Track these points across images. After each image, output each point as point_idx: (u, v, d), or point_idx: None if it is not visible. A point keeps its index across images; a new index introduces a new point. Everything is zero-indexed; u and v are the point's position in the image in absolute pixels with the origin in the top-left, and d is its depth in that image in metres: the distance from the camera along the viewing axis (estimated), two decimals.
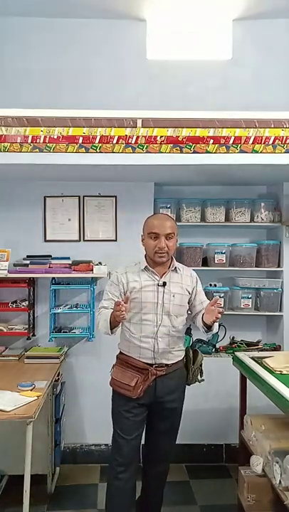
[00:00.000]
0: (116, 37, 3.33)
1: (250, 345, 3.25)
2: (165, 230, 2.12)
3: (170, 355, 2.16)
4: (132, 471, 2.17)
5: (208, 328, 2.13)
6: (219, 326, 3.34)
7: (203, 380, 2.31)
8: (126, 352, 2.20)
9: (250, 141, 2.55)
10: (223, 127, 2.55)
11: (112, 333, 2.12)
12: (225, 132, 2.55)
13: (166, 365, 2.15)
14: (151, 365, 2.13)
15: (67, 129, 2.53)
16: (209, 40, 3.34)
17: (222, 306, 3.15)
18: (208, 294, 3.21)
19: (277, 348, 3.21)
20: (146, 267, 2.18)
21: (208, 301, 2.25)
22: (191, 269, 2.33)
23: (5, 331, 3.08)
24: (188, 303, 2.25)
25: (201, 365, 2.31)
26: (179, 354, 2.23)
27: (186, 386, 2.29)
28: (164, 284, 2.14)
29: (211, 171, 2.77)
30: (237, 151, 2.56)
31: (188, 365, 2.28)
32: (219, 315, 2.00)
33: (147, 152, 2.55)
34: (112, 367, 2.25)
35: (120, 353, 2.25)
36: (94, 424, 3.15)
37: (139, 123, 2.53)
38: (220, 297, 3.20)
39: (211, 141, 2.55)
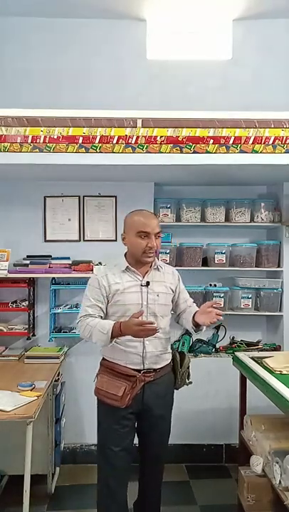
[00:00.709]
0: (116, 37, 3.33)
1: (250, 345, 3.25)
2: (155, 228, 2.02)
3: (158, 359, 2.06)
4: (124, 488, 2.08)
5: (198, 327, 2.07)
6: (219, 326, 3.36)
7: (191, 382, 2.23)
8: (110, 358, 2.07)
9: (250, 141, 2.55)
10: (223, 127, 2.55)
11: (110, 343, 1.96)
12: (225, 132, 2.55)
13: (155, 370, 2.05)
14: (139, 371, 2.01)
15: (67, 129, 2.53)
16: (209, 40, 3.34)
17: (221, 305, 3.17)
18: (208, 294, 3.22)
19: (277, 348, 3.21)
20: (127, 267, 2.07)
21: (191, 300, 2.24)
22: (172, 267, 2.24)
23: (5, 331, 3.08)
24: (172, 302, 2.17)
25: (188, 368, 2.22)
26: (167, 357, 2.14)
27: (175, 390, 2.20)
28: (148, 283, 2.04)
29: (211, 171, 2.76)
30: (237, 151, 2.56)
31: (175, 368, 2.18)
32: (220, 317, 1.96)
33: (147, 152, 2.55)
34: (96, 375, 2.11)
35: (103, 359, 2.11)
36: (94, 424, 3.11)
37: (139, 123, 2.53)
38: (220, 297, 3.21)
39: (211, 141, 2.55)
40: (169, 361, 2.16)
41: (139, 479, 2.23)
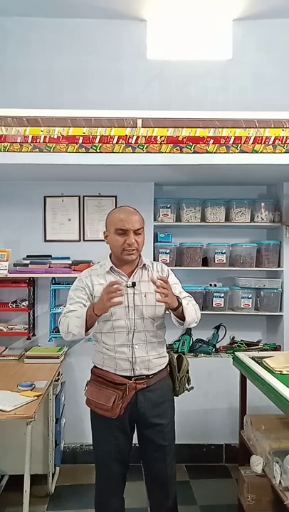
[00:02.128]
0: (116, 37, 3.33)
1: (250, 345, 3.25)
2: (134, 224, 1.92)
3: (150, 364, 1.94)
4: (119, 496, 2.02)
5: (180, 318, 1.93)
6: (219, 325, 3.36)
7: (192, 388, 2.12)
8: (100, 365, 1.98)
9: (251, 141, 2.55)
10: (223, 127, 2.54)
11: (86, 333, 1.87)
12: (225, 132, 2.55)
13: (147, 376, 1.93)
14: (129, 378, 1.91)
15: (67, 129, 2.53)
16: (209, 40, 3.33)
17: (221, 305, 3.17)
18: (208, 294, 3.22)
19: (277, 348, 3.21)
20: (111, 267, 1.98)
21: (188, 295, 2.09)
22: (162, 264, 2.12)
23: (5, 330, 3.08)
24: None
25: (187, 372, 2.12)
26: (161, 362, 2.00)
27: (175, 397, 2.08)
28: (134, 284, 1.94)
29: (211, 170, 2.76)
30: (237, 151, 2.56)
31: (173, 373, 2.07)
32: (165, 298, 1.80)
33: (147, 152, 2.55)
34: (86, 384, 2.01)
35: (94, 367, 2.02)
36: None
37: (139, 123, 2.53)
38: (220, 297, 3.20)
39: (211, 141, 2.55)
40: (164, 366, 2.03)
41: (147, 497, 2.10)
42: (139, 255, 2.02)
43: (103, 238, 2.03)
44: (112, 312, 1.90)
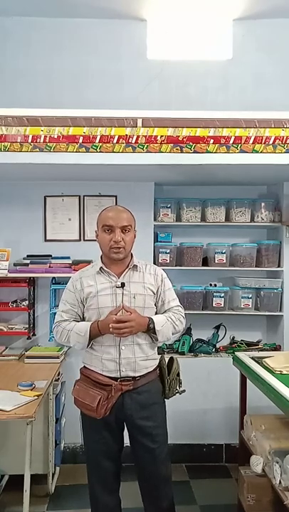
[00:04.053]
0: (116, 37, 3.33)
1: (250, 345, 3.25)
2: (120, 221, 1.91)
3: (137, 366, 1.92)
4: (113, 494, 2.03)
5: (153, 334, 1.93)
6: (219, 325, 3.36)
7: (184, 390, 2.09)
8: (88, 365, 1.98)
9: (251, 141, 2.55)
10: (223, 127, 2.54)
11: (88, 345, 1.93)
12: (225, 132, 2.55)
13: (134, 378, 1.92)
14: (115, 379, 1.90)
15: (67, 128, 2.53)
16: (209, 40, 3.33)
17: (222, 305, 3.17)
18: (208, 294, 3.22)
19: (277, 348, 3.21)
20: (101, 268, 1.97)
21: (177, 304, 2.07)
22: (157, 267, 2.09)
23: (5, 330, 3.08)
24: (155, 305, 2.02)
25: (178, 375, 2.09)
26: (149, 365, 1.97)
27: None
28: (123, 284, 1.90)
29: (211, 170, 2.76)
30: (237, 151, 2.56)
31: (163, 376, 2.04)
32: (124, 335, 1.84)
33: (147, 152, 2.54)
34: (74, 384, 2.01)
35: (84, 366, 2.03)
36: None
37: (140, 123, 2.53)
38: (220, 297, 3.20)
39: (212, 140, 2.55)
40: (153, 369, 2.01)
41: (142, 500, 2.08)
42: (131, 255, 2.02)
43: (95, 238, 2.04)
44: (100, 312, 1.92)
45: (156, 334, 1.93)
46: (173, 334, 2.02)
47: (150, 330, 1.93)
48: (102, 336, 1.92)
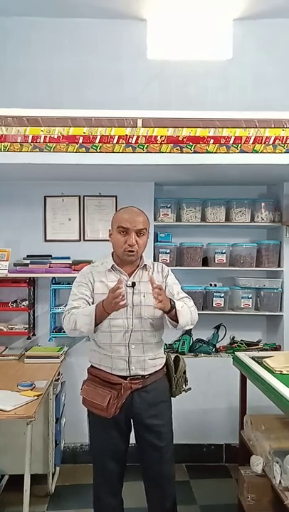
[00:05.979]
0: (116, 37, 3.33)
1: (250, 345, 3.25)
2: (136, 225, 1.91)
3: (146, 365, 1.94)
4: (116, 495, 2.03)
5: (172, 320, 1.89)
6: (219, 325, 3.36)
7: (190, 388, 2.11)
8: (97, 364, 1.98)
9: (251, 141, 2.55)
10: (223, 127, 2.55)
11: (95, 330, 1.87)
12: (225, 132, 2.55)
13: (143, 376, 1.93)
14: (125, 377, 1.91)
15: (67, 128, 2.53)
16: (209, 40, 3.33)
17: (222, 305, 3.17)
18: (209, 294, 3.22)
19: (277, 348, 3.21)
20: (113, 265, 1.98)
21: (186, 296, 2.06)
22: (163, 264, 2.12)
23: (5, 330, 3.08)
24: None
25: (184, 373, 2.11)
26: (157, 363, 2.00)
27: (176, 397, 2.08)
28: (133, 284, 1.93)
29: (211, 170, 2.76)
30: (237, 151, 2.56)
31: (170, 374, 2.06)
32: (159, 303, 1.78)
33: (147, 152, 2.55)
34: (82, 383, 2.01)
35: (91, 366, 2.02)
36: None
37: (140, 123, 2.53)
38: (220, 297, 3.20)
39: (212, 140, 2.55)
40: (161, 367, 2.03)
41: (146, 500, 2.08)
42: (141, 256, 2.02)
43: (107, 237, 2.04)
44: None
45: (176, 316, 1.89)
46: (189, 323, 1.99)
47: (172, 309, 1.88)
48: (110, 321, 1.89)
